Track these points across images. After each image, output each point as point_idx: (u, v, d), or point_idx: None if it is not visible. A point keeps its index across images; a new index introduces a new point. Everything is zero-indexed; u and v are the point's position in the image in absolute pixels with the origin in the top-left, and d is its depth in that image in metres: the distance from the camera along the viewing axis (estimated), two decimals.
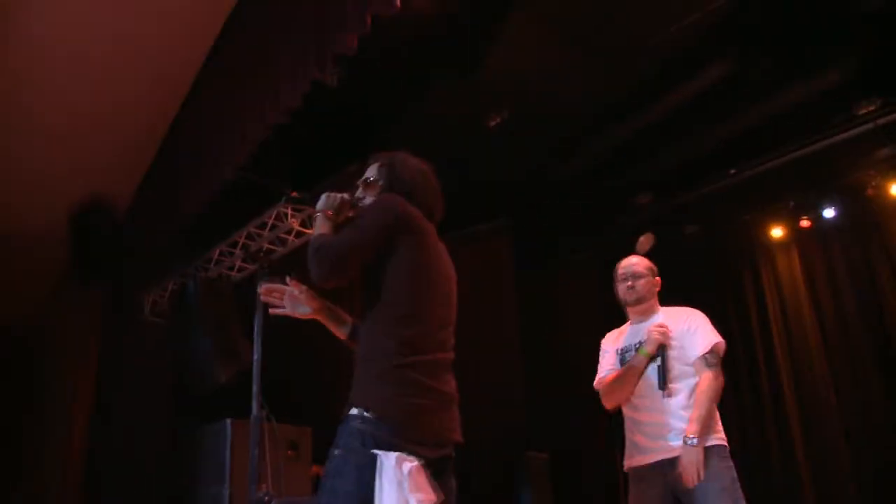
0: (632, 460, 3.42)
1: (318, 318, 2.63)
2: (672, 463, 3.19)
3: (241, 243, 4.67)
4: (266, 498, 3.46)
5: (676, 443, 3.21)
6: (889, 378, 5.99)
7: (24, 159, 5.84)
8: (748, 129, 6.18)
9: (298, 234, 4.43)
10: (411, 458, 2.19)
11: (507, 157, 6.30)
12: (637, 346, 3.49)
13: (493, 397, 6.08)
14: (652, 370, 3.39)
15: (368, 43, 3.66)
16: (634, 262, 3.71)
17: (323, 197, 2.57)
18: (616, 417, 3.69)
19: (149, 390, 5.35)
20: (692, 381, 3.34)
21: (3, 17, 4.79)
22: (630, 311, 3.69)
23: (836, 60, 5.67)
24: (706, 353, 3.36)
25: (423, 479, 2.18)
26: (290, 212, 4.34)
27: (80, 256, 6.14)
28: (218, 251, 4.84)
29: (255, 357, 3.79)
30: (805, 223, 6.71)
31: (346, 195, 2.60)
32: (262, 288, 2.66)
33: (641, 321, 3.62)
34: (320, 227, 2.49)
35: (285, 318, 2.65)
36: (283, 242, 4.52)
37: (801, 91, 5.87)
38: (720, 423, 3.33)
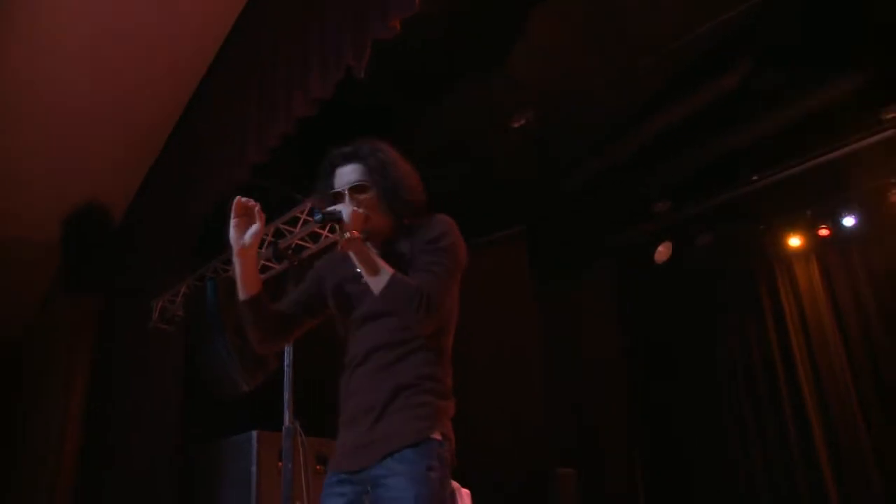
0: None
1: (245, 258, 2.29)
2: None
3: (267, 241, 4.38)
4: None
5: None
6: None
7: (17, 160, 5.52)
8: (765, 136, 6.05)
9: (333, 230, 4.14)
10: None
11: (525, 162, 6.12)
12: None
13: (515, 410, 5.88)
14: None
15: (388, 44, 3.48)
16: None
17: (344, 211, 2.23)
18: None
19: (153, 403, 5.02)
20: None
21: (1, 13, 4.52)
22: None
23: (856, 66, 5.57)
24: None
25: None
26: (297, 228, 4.06)
27: (73, 262, 5.84)
28: None
29: (287, 362, 3.49)
30: (824, 232, 6.56)
31: (362, 211, 2.28)
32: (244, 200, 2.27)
33: None
34: (373, 258, 2.21)
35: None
36: (316, 239, 4.24)
37: (820, 97, 5.76)
38: None
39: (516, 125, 5.53)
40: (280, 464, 4.25)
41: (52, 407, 6.00)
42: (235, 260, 2.31)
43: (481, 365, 6.01)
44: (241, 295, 2.36)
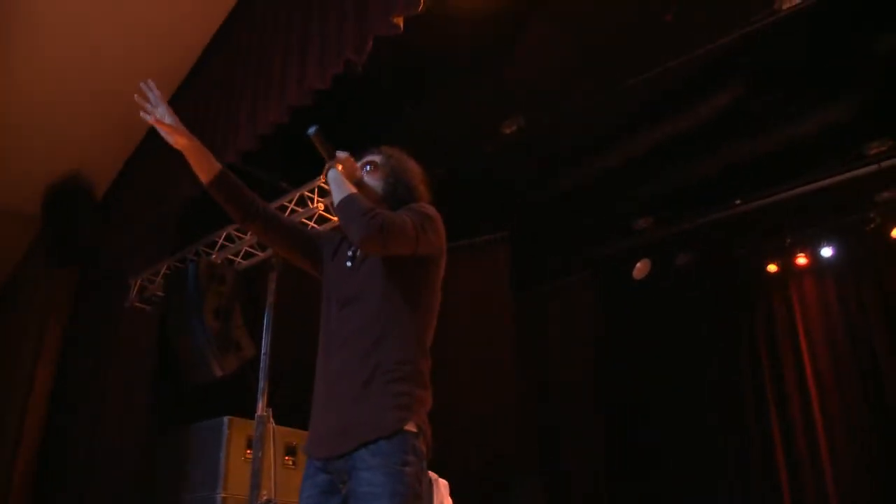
0: None
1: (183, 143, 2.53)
2: None
3: None
4: None
5: None
6: (880, 420, 5.91)
7: (1, 131, 5.44)
8: (750, 161, 6.11)
9: (321, 220, 4.10)
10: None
11: (510, 168, 6.13)
12: None
13: (485, 413, 5.88)
14: None
15: (376, 44, 3.48)
16: None
17: (345, 155, 2.39)
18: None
19: (124, 382, 4.95)
20: None
21: None
22: None
23: (845, 98, 5.63)
24: None
25: None
26: (315, 196, 4.04)
27: (53, 232, 5.74)
28: (224, 234, 4.49)
29: (264, 350, 3.49)
30: (802, 260, 6.63)
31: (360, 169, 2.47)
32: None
33: None
34: (348, 184, 2.30)
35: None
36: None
37: (806, 127, 5.82)
38: None
39: (507, 130, 5.54)
40: (249, 451, 4.24)
41: (18, 380, 5.89)
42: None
43: (456, 366, 6.01)
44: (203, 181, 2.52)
